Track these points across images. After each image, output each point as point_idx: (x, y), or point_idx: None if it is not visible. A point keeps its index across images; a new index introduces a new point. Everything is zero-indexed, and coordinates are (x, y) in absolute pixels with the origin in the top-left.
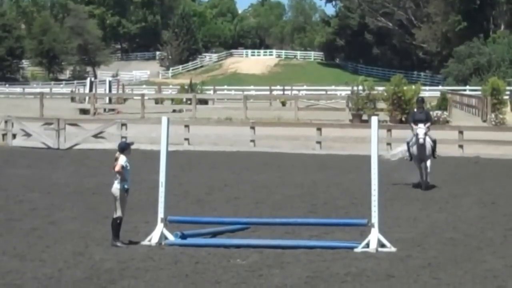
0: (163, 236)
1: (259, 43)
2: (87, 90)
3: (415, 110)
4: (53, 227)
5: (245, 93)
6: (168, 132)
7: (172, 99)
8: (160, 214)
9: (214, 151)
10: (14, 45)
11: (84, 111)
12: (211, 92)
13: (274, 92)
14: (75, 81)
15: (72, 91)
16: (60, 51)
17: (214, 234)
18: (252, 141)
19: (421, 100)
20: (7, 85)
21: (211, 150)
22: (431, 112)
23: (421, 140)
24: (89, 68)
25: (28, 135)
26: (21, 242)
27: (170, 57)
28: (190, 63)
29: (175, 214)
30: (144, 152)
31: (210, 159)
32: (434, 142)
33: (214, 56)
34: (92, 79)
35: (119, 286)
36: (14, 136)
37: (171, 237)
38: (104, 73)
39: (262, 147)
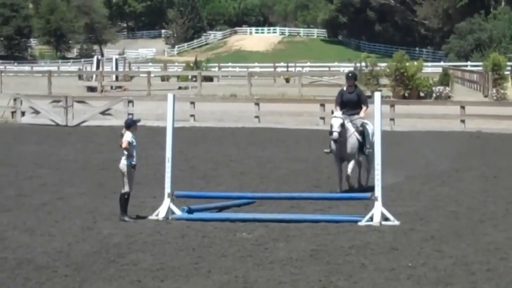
0: (170, 211)
1: (263, 21)
2: (94, 68)
3: (344, 88)
4: (62, 202)
5: (250, 70)
6: (174, 108)
7: (178, 77)
8: (167, 189)
9: (219, 127)
10: (22, 24)
11: (91, 89)
12: (216, 69)
13: (278, 69)
14: (82, 59)
15: (79, 69)
16: (67, 30)
17: (220, 209)
18: (257, 117)
19: (352, 76)
20: (15, 64)
21: (216, 126)
22: (365, 93)
23: (334, 134)
24: (96, 47)
25: (36, 112)
26: (31, 217)
27: (175, 35)
28: (195, 41)
29: (181, 189)
30: (151, 128)
31: (216, 135)
32: (362, 134)
33: (219, 34)
34: (99, 57)
35: (127, 259)
36: (23, 113)
37: (178, 212)
38: (110, 51)
39: (266, 123)
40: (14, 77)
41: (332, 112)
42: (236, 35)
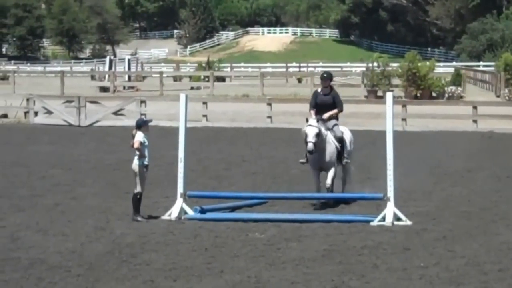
0: (182, 211)
1: (275, 21)
2: (106, 68)
3: (319, 90)
4: (75, 202)
5: (262, 70)
6: (187, 108)
7: (190, 77)
8: (180, 189)
9: (231, 127)
10: (34, 24)
11: (104, 89)
12: (228, 69)
13: (290, 69)
14: (95, 60)
15: (92, 69)
16: (79, 30)
17: (232, 209)
18: (269, 117)
19: (328, 77)
20: (28, 64)
21: (228, 126)
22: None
23: (309, 146)
24: (108, 47)
25: (49, 112)
26: (44, 217)
27: (187, 35)
28: (207, 41)
29: (194, 189)
30: (163, 128)
31: (228, 135)
32: (340, 140)
33: (231, 34)
34: (112, 57)
35: (139, 259)
36: (36, 113)
37: (190, 212)
38: (123, 52)
39: (278, 123)
40: (27, 78)
41: (307, 120)
42: (248, 35)
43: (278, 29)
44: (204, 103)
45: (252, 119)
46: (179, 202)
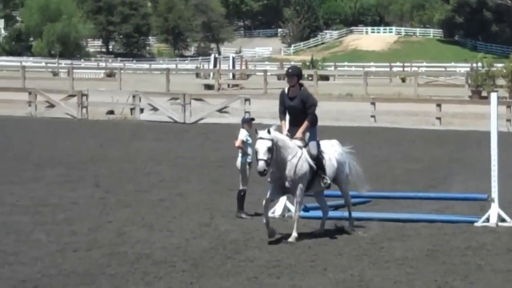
0: (286, 209)
1: (379, 21)
2: (211, 66)
3: (285, 90)
4: (179, 198)
5: (365, 69)
6: None
7: None
8: None
9: (335, 126)
10: (140, 22)
11: (208, 87)
12: (332, 68)
13: (394, 69)
14: (200, 58)
15: (197, 67)
16: (185, 28)
17: (336, 207)
18: (373, 116)
19: (293, 73)
20: (134, 61)
21: (332, 125)
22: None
23: (259, 165)
24: (213, 45)
25: (155, 109)
26: (149, 213)
27: (291, 34)
28: (311, 40)
29: None
30: (267, 126)
31: (331, 134)
32: (317, 158)
33: (335, 33)
34: (216, 55)
35: (243, 256)
36: (141, 110)
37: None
38: (227, 50)
39: (382, 122)
40: (133, 75)
41: (256, 131)
42: (352, 34)
43: (382, 28)
44: None
45: (356, 118)
46: (283, 200)
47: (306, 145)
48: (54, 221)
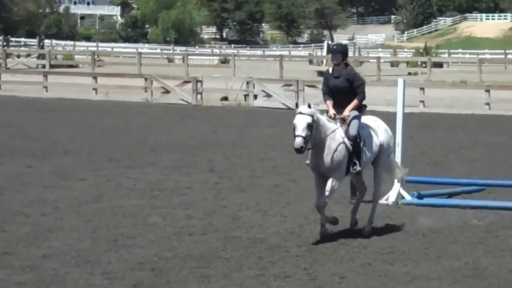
0: (400, 196)
1: (493, 7)
2: (324, 53)
3: (330, 70)
4: (293, 184)
5: (480, 56)
6: (404, 94)
7: (407, 62)
8: None
9: (449, 114)
10: (254, 9)
11: (321, 73)
12: (446, 55)
13: (509, 56)
14: (313, 44)
15: (310, 54)
16: (298, 15)
17: (450, 195)
18: (487, 104)
19: (338, 50)
20: (248, 48)
21: (446, 113)
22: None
23: (296, 142)
24: (326, 32)
25: (268, 96)
26: (263, 198)
27: (404, 21)
28: (424, 27)
29: (411, 175)
30: (381, 113)
31: (445, 121)
32: (355, 140)
33: (448, 20)
34: (329, 42)
35: (357, 242)
36: (255, 96)
37: (407, 197)
38: (340, 37)
39: (497, 110)
40: (246, 61)
41: (297, 106)
42: (466, 21)
43: (496, 15)
44: (422, 88)
45: (470, 105)
46: (396, 187)
47: (348, 125)
48: (170, 205)
